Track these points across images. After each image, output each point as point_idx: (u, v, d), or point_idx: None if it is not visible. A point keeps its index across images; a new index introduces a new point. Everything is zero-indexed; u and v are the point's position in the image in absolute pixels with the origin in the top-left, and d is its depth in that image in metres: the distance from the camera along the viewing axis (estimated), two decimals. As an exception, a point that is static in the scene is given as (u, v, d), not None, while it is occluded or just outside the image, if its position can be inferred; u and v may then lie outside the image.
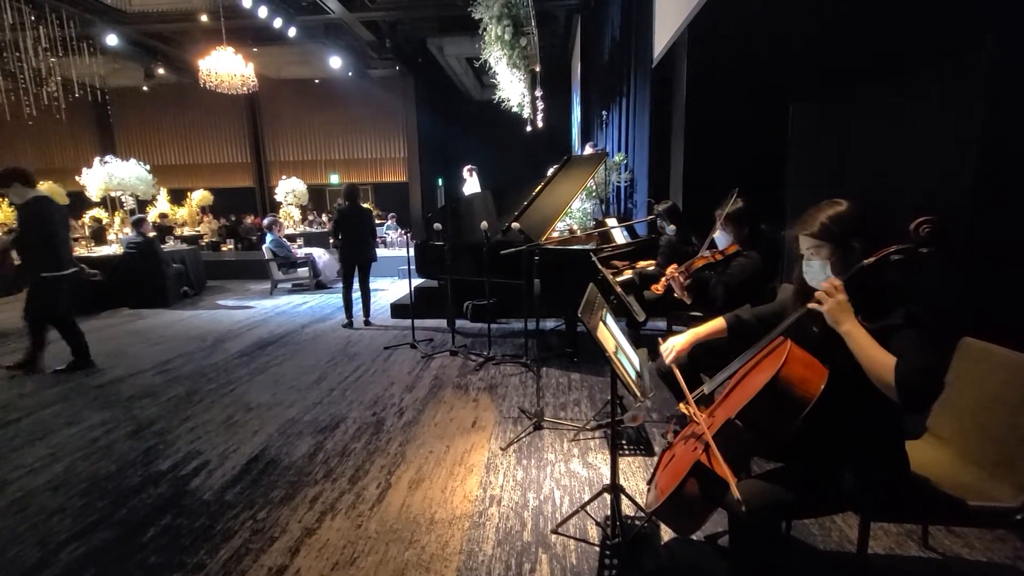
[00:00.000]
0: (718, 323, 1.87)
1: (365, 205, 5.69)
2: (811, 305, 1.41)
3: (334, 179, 17.30)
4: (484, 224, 3.99)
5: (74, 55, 10.17)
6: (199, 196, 13.90)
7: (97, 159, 7.48)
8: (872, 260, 1.38)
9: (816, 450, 1.54)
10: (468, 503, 2.32)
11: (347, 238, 5.21)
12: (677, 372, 1.84)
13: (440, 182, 16.58)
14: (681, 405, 1.73)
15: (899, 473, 1.50)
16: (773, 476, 1.57)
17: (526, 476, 2.53)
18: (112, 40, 10.98)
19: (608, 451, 2.69)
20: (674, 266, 2.47)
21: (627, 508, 2.22)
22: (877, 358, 1.28)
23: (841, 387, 1.39)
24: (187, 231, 13.02)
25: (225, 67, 9.31)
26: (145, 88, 15.12)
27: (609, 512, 2.13)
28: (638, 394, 1.67)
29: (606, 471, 2.53)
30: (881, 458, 1.49)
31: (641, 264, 4.30)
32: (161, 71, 13.57)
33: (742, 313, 1.88)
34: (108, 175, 7.30)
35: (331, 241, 5.53)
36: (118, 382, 4.02)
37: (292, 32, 10.90)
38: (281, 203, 12.17)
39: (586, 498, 2.31)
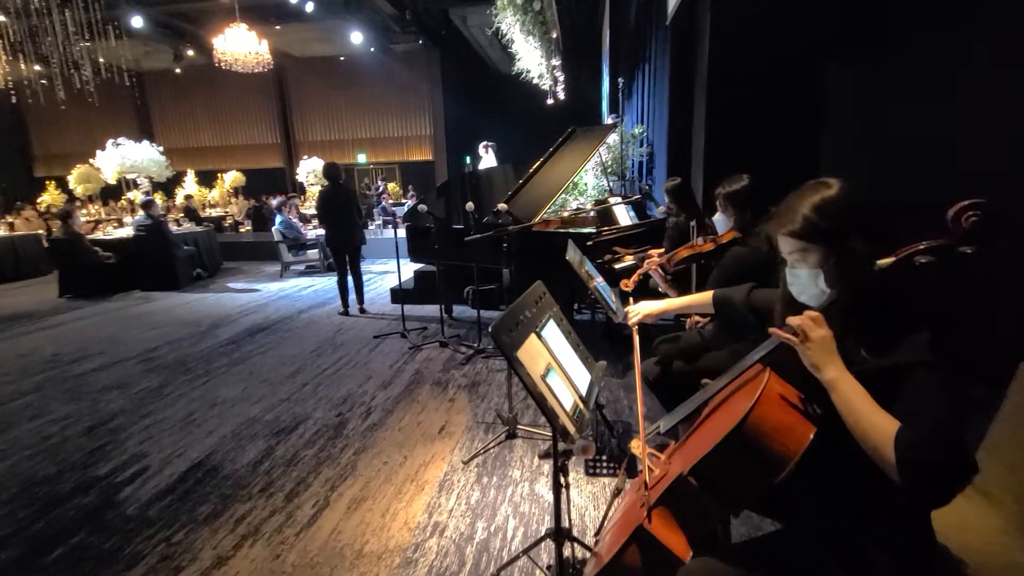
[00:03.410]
0: (703, 296, 1.57)
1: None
2: (778, 334, 1.00)
3: (361, 158, 17.17)
4: (469, 205, 3.62)
5: (101, 38, 10.28)
6: (232, 177, 14.07)
7: (110, 141, 7.48)
8: (890, 261, 0.94)
9: (812, 514, 1.13)
10: (407, 532, 2.01)
11: (331, 223, 4.94)
12: (636, 339, 1.61)
13: (467, 160, 16.17)
14: (633, 443, 1.35)
15: (921, 549, 1.06)
16: (747, 551, 1.17)
17: (482, 499, 2.20)
18: (137, 22, 11.02)
19: (585, 467, 2.33)
20: (654, 256, 2.05)
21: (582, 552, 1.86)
22: (870, 421, 0.87)
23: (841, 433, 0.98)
24: (217, 212, 13.23)
25: (239, 45, 9.15)
26: (177, 71, 15.26)
27: (568, 554, 1.79)
28: (570, 430, 1.29)
29: (576, 495, 2.17)
30: (902, 532, 1.06)
31: (653, 253, 3.81)
32: (190, 53, 13.66)
33: (735, 295, 1.49)
34: (121, 157, 7.28)
35: (323, 226, 5.25)
36: (99, 371, 3.92)
37: (309, 7, 10.64)
38: (303, 183, 12.15)
39: (543, 532, 1.97)
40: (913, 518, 1.04)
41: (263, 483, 2.37)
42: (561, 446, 1.55)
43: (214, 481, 2.41)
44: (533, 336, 1.40)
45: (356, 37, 12.15)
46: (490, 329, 1.24)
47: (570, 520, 1.94)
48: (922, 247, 0.91)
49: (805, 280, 1.06)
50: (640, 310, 1.62)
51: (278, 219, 7.53)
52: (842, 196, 1.01)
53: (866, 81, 2.92)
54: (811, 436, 0.99)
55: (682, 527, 1.15)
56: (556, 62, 8.70)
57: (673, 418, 1.30)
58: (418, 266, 5.60)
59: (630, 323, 1.63)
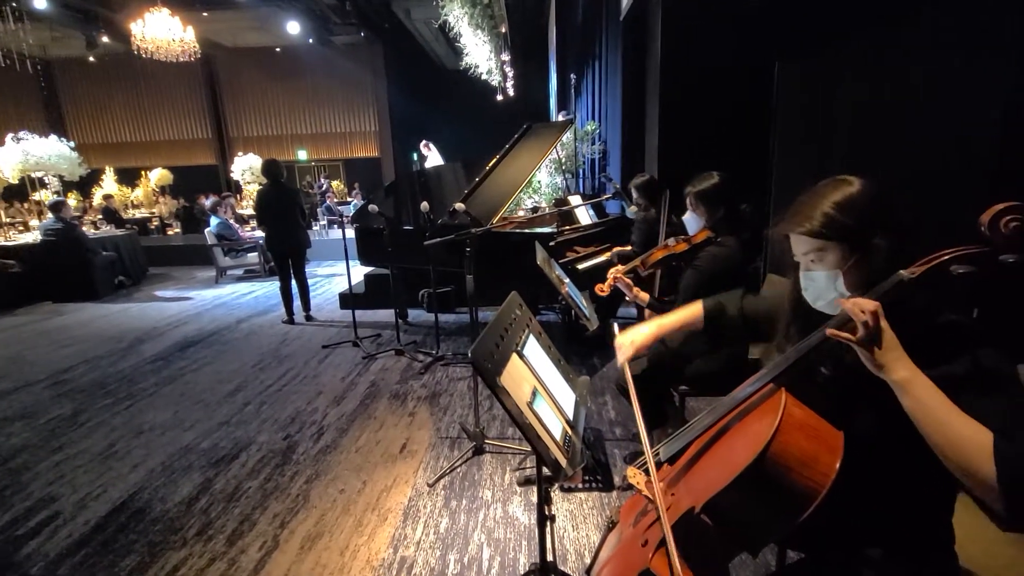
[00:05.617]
0: (693, 309, 1.39)
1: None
2: (832, 332, 0.85)
3: (302, 155, 16.38)
4: (424, 205, 3.41)
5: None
6: (157, 175, 13.01)
7: (10, 135, 6.67)
8: (917, 271, 0.84)
9: (838, 544, 1.04)
10: (370, 572, 1.80)
11: (272, 224, 4.59)
12: (631, 384, 1.34)
13: (415, 156, 15.76)
14: (631, 472, 1.21)
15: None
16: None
17: (452, 525, 2.02)
18: (40, 3, 9.93)
19: (567, 485, 2.20)
20: (618, 266, 1.94)
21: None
22: (957, 430, 0.74)
23: (869, 454, 0.89)
24: (142, 213, 12.22)
25: (161, 32, 8.40)
26: (92, 59, 13.94)
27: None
28: (562, 463, 1.14)
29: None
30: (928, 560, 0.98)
31: (618, 250, 3.71)
32: (105, 39, 12.49)
33: (728, 303, 1.37)
34: (23, 154, 6.50)
35: (262, 228, 4.87)
36: (-2, 398, 3.43)
37: (240, -8, 9.97)
38: (239, 181, 11.40)
39: (522, 560, 1.82)
40: (940, 545, 0.97)
41: (200, 524, 2.09)
42: (545, 472, 1.40)
43: (140, 526, 2.10)
44: (514, 356, 1.24)
45: (293, 27, 11.51)
46: (470, 354, 1.07)
47: (554, 548, 1.80)
48: (958, 252, 0.82)
49: (822, 283, 0.96)
50: (630, 342, 1.36)
51: (213, 220, 6.98)
52: (866, 193, 0.92)
53: (815, 78, 2.95)
54: (837, 466, 0.89)
55: (692, 568, 1.03)
56: (506, 57, 8.53)
57: (676, 444, 1.18)
58: (368, 269, 5.31)
59: (620, 361, 1.38)
